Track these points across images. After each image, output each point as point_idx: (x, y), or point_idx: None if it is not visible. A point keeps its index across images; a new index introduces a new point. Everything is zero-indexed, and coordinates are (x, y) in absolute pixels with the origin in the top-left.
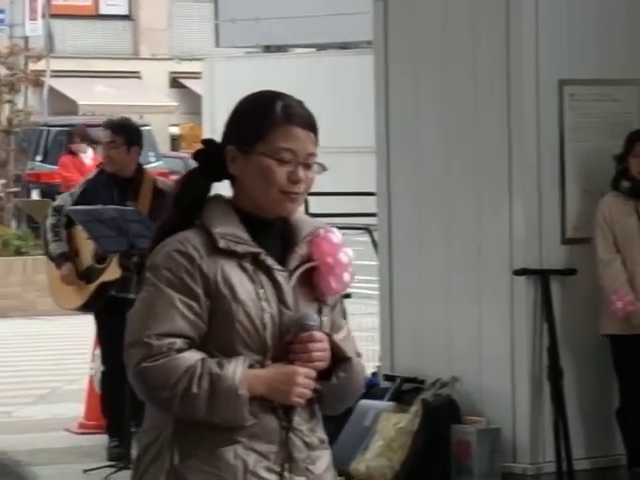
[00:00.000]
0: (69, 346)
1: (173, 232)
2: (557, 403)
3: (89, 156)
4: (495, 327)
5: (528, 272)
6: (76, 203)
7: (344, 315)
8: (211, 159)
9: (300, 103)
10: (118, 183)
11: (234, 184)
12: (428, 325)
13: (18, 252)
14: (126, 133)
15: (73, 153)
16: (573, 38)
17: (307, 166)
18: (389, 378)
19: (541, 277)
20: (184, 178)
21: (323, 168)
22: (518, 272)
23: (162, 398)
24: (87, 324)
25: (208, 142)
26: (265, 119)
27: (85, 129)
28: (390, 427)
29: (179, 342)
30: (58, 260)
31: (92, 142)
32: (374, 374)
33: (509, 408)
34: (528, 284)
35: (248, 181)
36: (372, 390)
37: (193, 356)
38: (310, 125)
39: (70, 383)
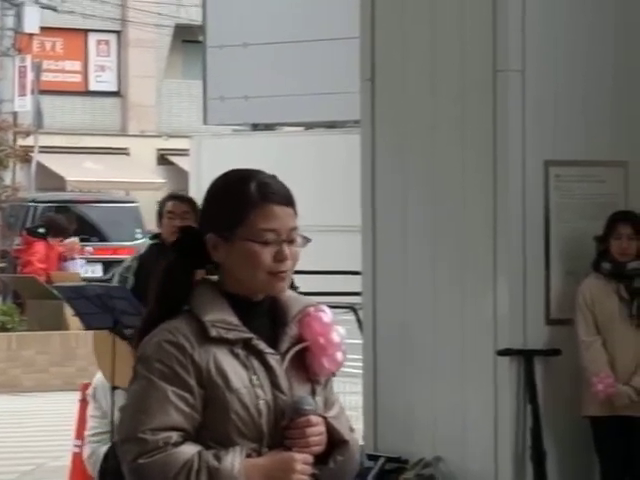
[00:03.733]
0: (54, 422)
1: (159, 322)
2: None
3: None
4: (478, 407)
5: (512, 352)
6: (135, 276)
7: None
8: (191, 248)
9: (274, 178)
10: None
11: (219, 269)
12: (412, 404)
13: (3, 328)
14: (196, 210)
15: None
16: (559, 119)
17: (291, 241)
18: (372, 457)
19: (525, 357)
20: (165, 271)
21: (307, 240)
22: (502, 352)
23: None
24: (71, 400)
25: (186, 230)
26: (241, 202)
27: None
28: None
29: (175, 436)
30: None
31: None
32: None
33: None
34: (512, 364)
35: (234, 266)
36: None
37: (189, 450)
38: (288, 200)
39: (54, 460)
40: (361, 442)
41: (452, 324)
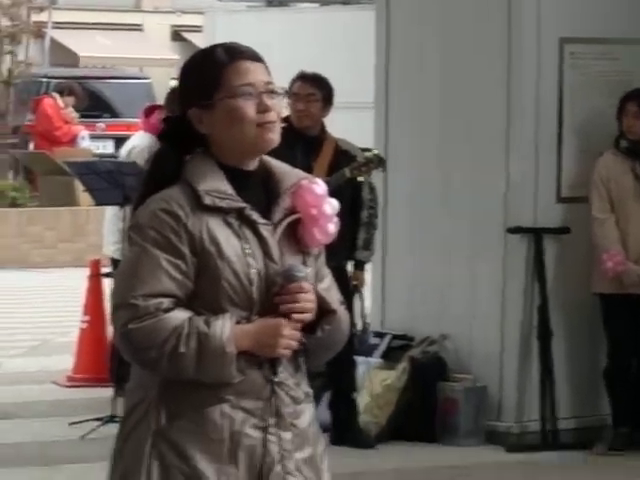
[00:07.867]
0: (62, 298)
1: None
2: (545, 362)
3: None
4: (487, 285)
5: (522, 230)
6: None
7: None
8: (176, 135)
9: (239, 43)
10: (302, 142)
11: (210, 142)
12: (420, 282)
13: (14, 204)
14: (326, 89)
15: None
16: None
17: (270, 93)
18: (379, 335)
19: (535, 235)
20: (155, 158)
21: (285, 92)
22: (512, 230)
23: (149, 358)
24: (80, 277)
25: (167, 120)
26: (212, 67)
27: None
28: (377, 384)
29: (166, 302)
30: None
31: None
32: (364, 330)
33: (497, 366)
34: (521, 242)
35: (222, 131)
36: (361, 346)
37: (180, 315)
38: (256, 56)
39: (62, 335)
40: (368, 320)
41: (463, 201)
